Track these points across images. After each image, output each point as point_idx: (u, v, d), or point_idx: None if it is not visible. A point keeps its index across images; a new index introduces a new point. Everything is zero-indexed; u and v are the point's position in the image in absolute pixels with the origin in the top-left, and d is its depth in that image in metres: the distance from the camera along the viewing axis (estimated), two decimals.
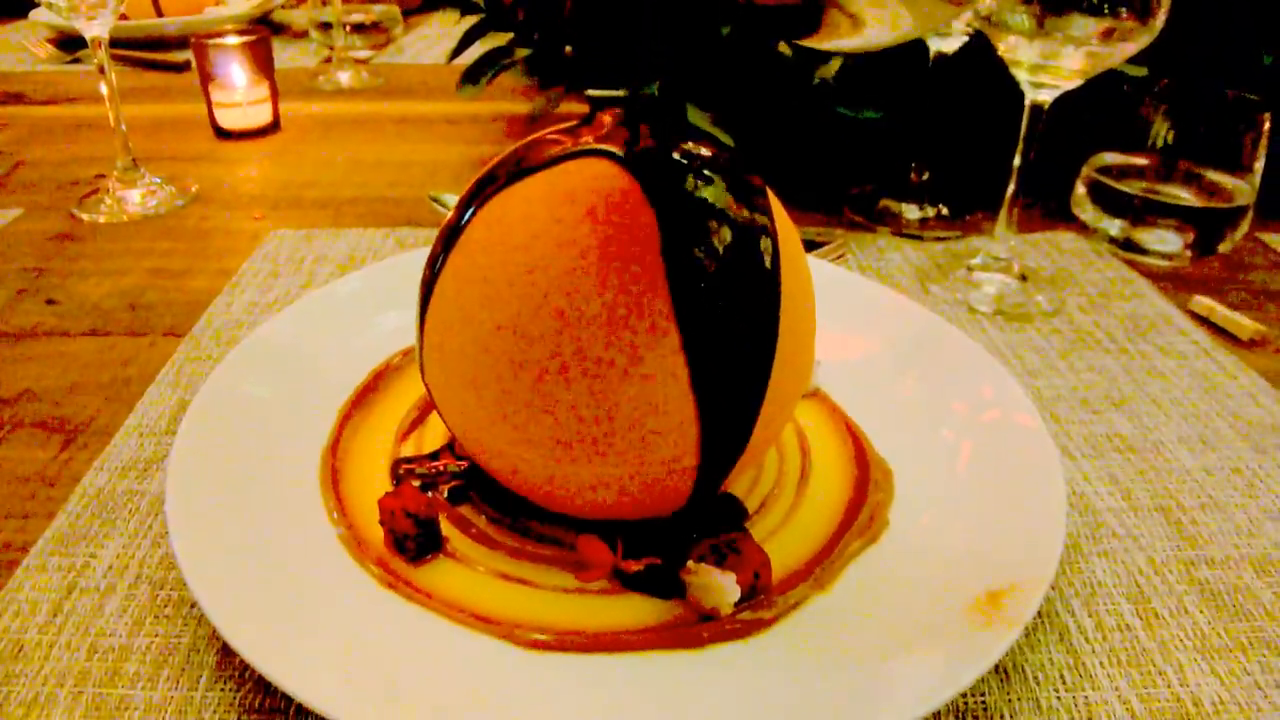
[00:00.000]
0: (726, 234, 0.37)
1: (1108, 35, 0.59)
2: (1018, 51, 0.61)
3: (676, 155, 0.39)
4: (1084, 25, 0.59)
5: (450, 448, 0.48)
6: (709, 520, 0.43)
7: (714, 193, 0.38)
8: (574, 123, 0.43)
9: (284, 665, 0.35)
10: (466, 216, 0.40)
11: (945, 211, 0.82)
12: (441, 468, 0.47)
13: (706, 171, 0.38)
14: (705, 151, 0.40)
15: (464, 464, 0.47)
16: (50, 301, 0.68)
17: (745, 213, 0.38)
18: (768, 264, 0.38)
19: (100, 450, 0.52)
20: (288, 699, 0.38)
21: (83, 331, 0.64)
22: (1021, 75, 0.63)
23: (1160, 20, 0.58)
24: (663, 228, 0.36)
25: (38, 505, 0.48)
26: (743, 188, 0.39)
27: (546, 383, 0.37)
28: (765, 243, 0.38)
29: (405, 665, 0.37)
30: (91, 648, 0.40)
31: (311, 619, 0.38)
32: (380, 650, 0.37)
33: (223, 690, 0.38)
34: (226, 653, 0.40)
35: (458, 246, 0.40)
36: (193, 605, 0.42)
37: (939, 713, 0.38)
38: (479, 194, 0.40)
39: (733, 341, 0.37)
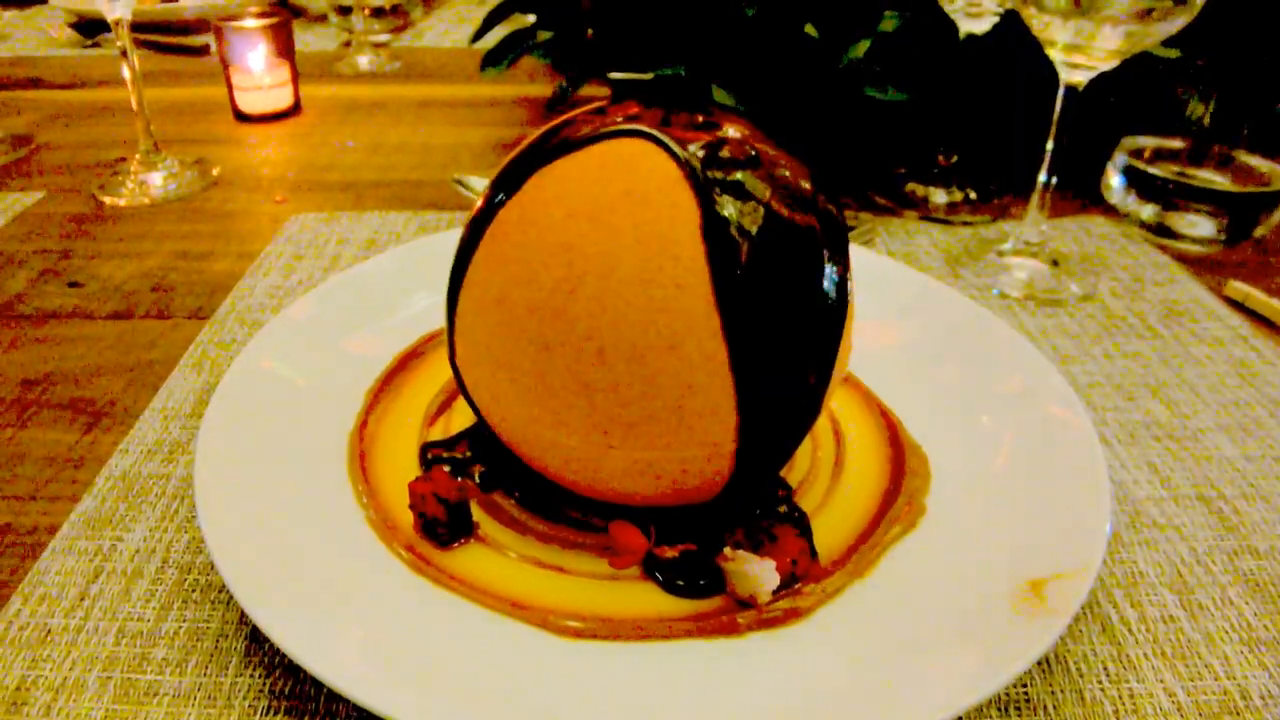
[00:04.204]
0: (769, 215, 0.36)
1: (1145, 15, 0.58)
2: (1053, 31, 0.60)
3: (715, 134, 0.38)
4: (1121, 4, 0.57)
5: (476, 431, 0.48)
6: (748, 505, 0.42)
7: (755, 172, 0.37)
8: (601, 104, 0.42)
9: (314, 650, 0.34)
10: (499, 197, 0.39)
11: (974, 195, 0.80)
12: (469, 452, 0.46)
13: (747, 148, 0.37)
14: (743, 130, 0.39)
15: (489, 446, 0.46)
16: (73, 284, 0.67)
17: (788, 193, 0.37)
18: (811, 246, 0.37)
19: (125, 433, 0.52)
20: (317, 684, 0.38)
21: (106, 314, 0.64)
22: (1056, 55, 0.62)
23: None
24: (703, 208, 0.35)
25: (63, 488, 0.48)
26: (785, 167, 0.38)
27: (581, 365, 0.36)
28: (808, 224, 0.37)
29: (436, 651, 0.36)
30: (119, 632, 0.40)
31: (341, 604, 0.38)
32: (411, 636, 0.37)
33: (252, 676, 0.38)
34: (255, 638, 0.39)
35: (491, 227, 0.39)
36: (221, 589, 0.42)
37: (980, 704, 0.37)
38: (512, 174, 0.40)
39: (774, 325, 0.36)
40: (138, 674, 0.38)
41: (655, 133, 0.37)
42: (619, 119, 0.39)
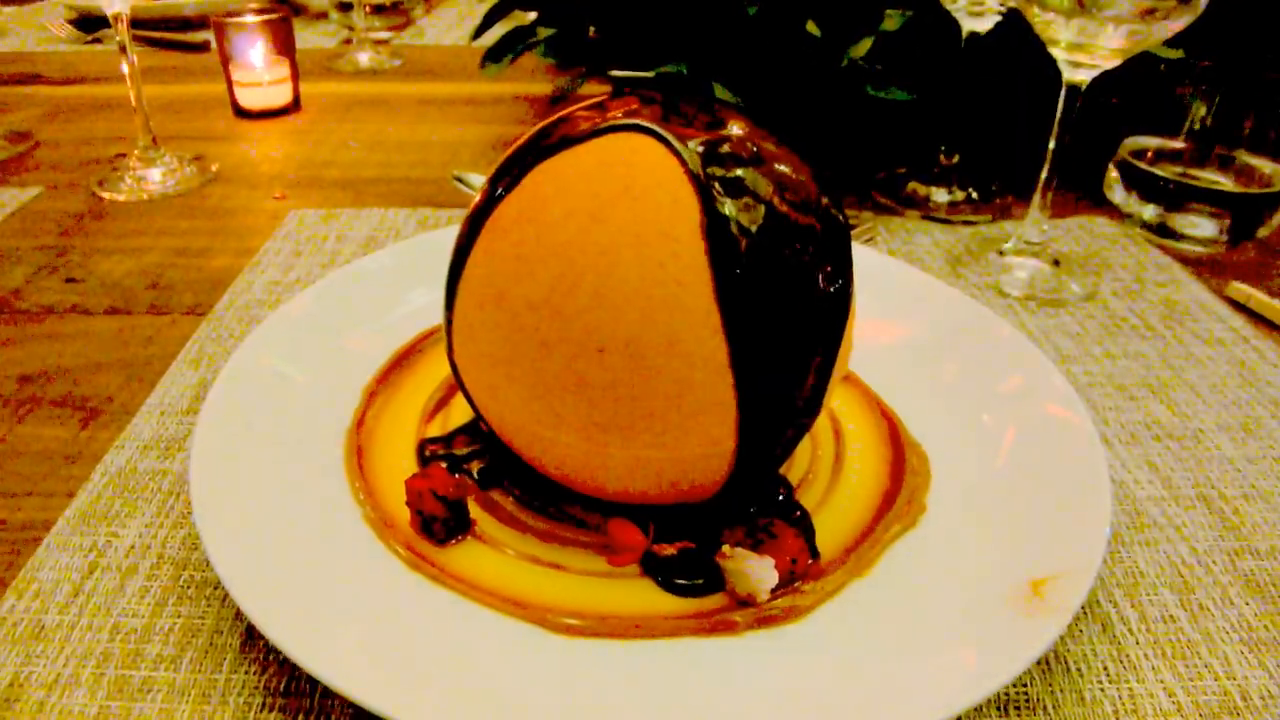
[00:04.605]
0: (770, 213, 0.36)
1: (1149, 14, 0.57)
2: (1055, 30, 0.60)
3: (716, 131, 0.38)
4: (1124, 3, 0.57)
5: (472, 427, 0.47)
6: (747, 504, 0.42)
7: (756, 169, 0.37)
8: (601, 99, 0.41)
9: (309, 648, 0.34)
10: (498, 192, 0.39)
11: (975, 195, 0.80)
12: (467, 449, 0.46)
13: (749, 145, 0.37)
14: (745, 127, 0.39)
15: (486, 443, 0.46)
16: (71, 280, 0.67)
17: (789, 191, 0.37)
18: (812, 244, 0.37)
19: (121, 429, 0.51)
20: (312, 682, 0.37)
21: (103, 310, 0.64)
22: (1059, 54, 0.61)
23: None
24: (704, 205, 0.35)
25: (58, 484, 0.48)
26: (786, 164, 0.38)
27: (580, 362, 0.36)
28: (809, 222, 0.37)
29: (433, 649, 0.36)
30: (113, 629, 0.40)
31: (337, 601, 0.37)
32: (407, 634, 0.36)
33: (246, 673, 0.38)
34: (250, 635, 0.39)
35: (489, 223, 0.39)
36: (216, 586, 0.42)
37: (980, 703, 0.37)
38: (510, 169, 0.39)
39: (774, 323, 0.36)
40: (131, 670, 0.38)
41: (656, 128, 0.37)
42: (619, 114, 0.39)
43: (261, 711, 0.36)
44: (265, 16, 0.99)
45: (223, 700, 0.37)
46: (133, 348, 0.59)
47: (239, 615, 0.40)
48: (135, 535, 0.44)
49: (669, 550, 0.40)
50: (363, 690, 0.32)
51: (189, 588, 0.42)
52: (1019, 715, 0.37)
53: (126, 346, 0.59)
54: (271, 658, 0.38)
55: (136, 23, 1.27)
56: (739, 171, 0.36)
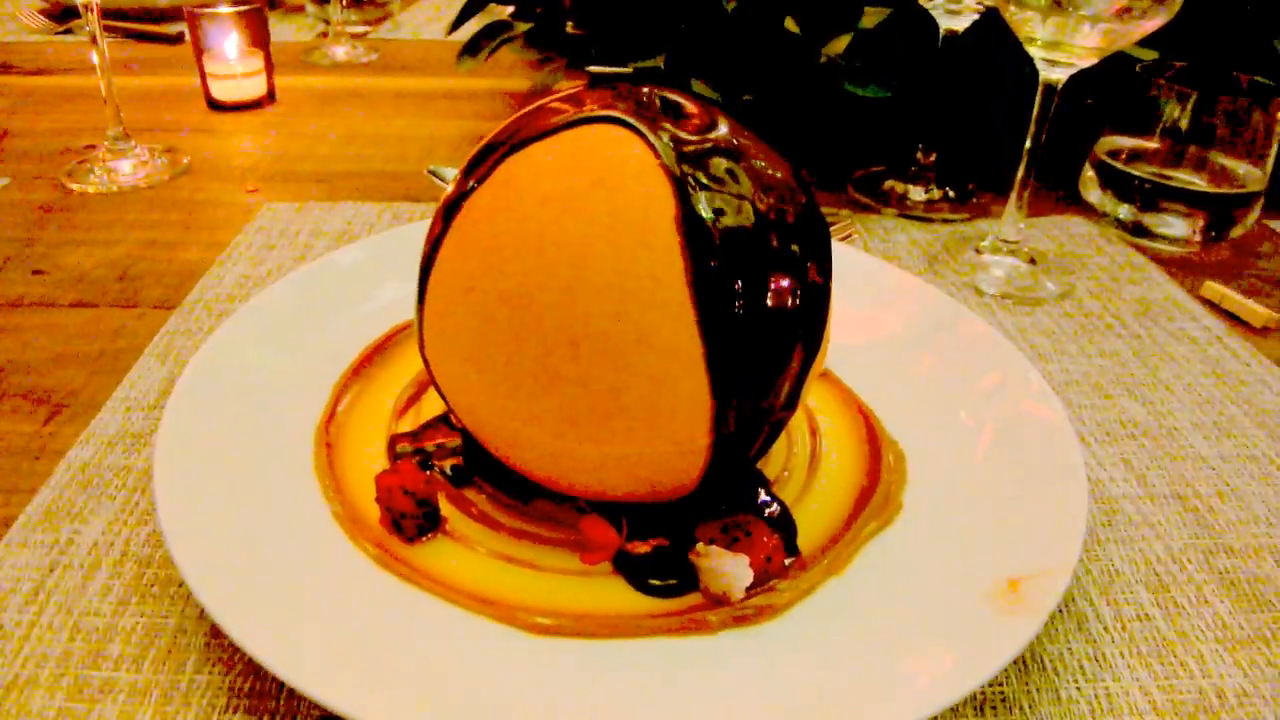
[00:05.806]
0: (746, 207, 0.35)
1: (1124, 13, 0.57)
2: (1032, 28, 0.60)
3: (693, 124, 0.37)
4: (1101, 2, 0.57)
5: (444, 420, 0.47)
6: (723, 501, 0.41)
7: (733, 163, 0.36)
8: (576, 91, 0.41)
9: (275, 648, 0.33)
10: (470, 184, 0.38)
11: (952, 194, 0.80)
12: (438, 444, 0.46)
13: (726, 139, 0.37)
14: (723, 122, 0.38)
15: (458, 438, 0.45)
16: (37, 271, 0.66)
17: (766, 185, 0.36)
18: (789, 240, 0.36)
19: (86, 423, 0.50)
20: (278, 683, 0.37)
21: (70, 302, 0.62)
22: (1035, 53, 0.61)
23: None
24: (679, 198, 0.35)
25: (20, 479, 0.47)
26: (764, 159, 0.37)
27: (553, 357, 0.35)
28: (786, 218, 0.36)
29: (402, 649, 0.35)
30: (74, 628, 0.39)
31: (304, 600, 0.37)
32: (376, 633, 0.36)
33: (211, 673, 0.37)
34: (215, 634, 0.38)
35: (461, 215, 0.38)
36: (180, 584, 0.41)
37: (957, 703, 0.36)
38: (483, 161, 0.39)
39: (751, 319, 0.35)
40: (93, 671, 0.37)
41: (631, 120, 0.37)
42: (594, 106, 0.38)
43: (226, 713, 0.35)
44: (240, 8, 0.97)
45: (185, 701, 0.36)
46: (100, 341, 0.58)
47: (204, 615, 0.39)
48: (98, 533, 0.43)
49: (642, 548, 0.39)
50: (330, 692, 0.32)
51: (153, 586, 0.41)
52: (995, 714, 0.37)
53: (93, 340, 0.58)
54: (237, 658, 0.37)
55: (110, 13, 1.25)
56: (715, 165, 0.36)
